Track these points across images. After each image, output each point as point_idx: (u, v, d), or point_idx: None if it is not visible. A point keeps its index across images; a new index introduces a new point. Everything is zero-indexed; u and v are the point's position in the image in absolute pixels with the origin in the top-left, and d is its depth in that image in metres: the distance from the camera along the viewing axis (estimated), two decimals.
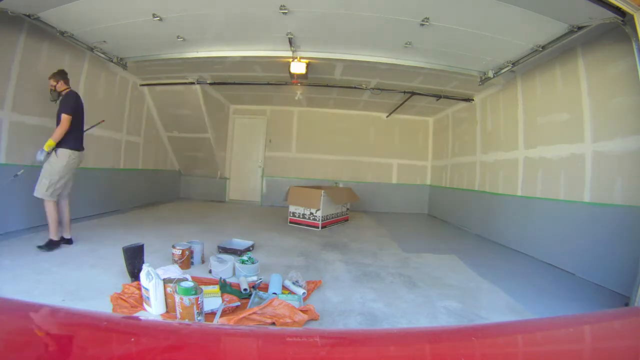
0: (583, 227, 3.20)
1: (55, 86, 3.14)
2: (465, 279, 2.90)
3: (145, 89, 5.86)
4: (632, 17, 2.26)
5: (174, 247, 2.75)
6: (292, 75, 4.61)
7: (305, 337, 0.65)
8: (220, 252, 3.08)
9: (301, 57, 4.23)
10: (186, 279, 1.96)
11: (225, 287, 2.21)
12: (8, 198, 3.37)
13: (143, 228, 4.19)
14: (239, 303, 2.04)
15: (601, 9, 2.36)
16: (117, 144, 5.27)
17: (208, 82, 5.67)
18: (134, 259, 2.39)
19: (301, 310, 1.87)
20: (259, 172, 7.65)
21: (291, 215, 5.14)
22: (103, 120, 3.79)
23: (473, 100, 5.61)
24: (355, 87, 5.49)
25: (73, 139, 3.06)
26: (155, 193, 6.52)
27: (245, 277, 2.44)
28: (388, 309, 2.15)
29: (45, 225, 3.72)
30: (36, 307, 0.72)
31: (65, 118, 2.97)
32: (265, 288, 2.30)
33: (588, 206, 3.18)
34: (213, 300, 1.95)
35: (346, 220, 5.75)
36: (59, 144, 2.99)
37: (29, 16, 3.17)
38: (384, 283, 2.67)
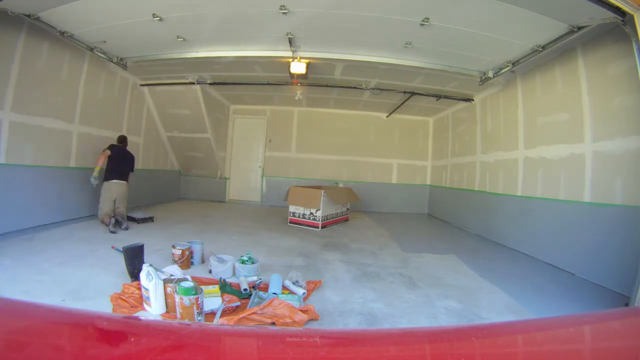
0: (583, 227, 3.20)
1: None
2: (465, 279, 2.90)
3: (145, 89, 5.86)
4: (632, 17, 2.26)
5: (174, 247, 2.75)
6: (292, 75, 4.62)
7: (305, 337, 0.65)
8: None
9: (301, 57, 4.23)
10: (186, 279, 1.96)
11: (225, 287, 2.21)
12: (8, 198, 3.38)
13: (143, 228, 4.19)
14: (239, 303, 2.04)
15: (601, 9, 2.36)
16: None
17: (208, 82, 5.67)
18: (134, 259, 2.39)
19: (301, 310, 1.87)
20: (259, 172, 7.65)
21: (291, 215, 5.13)
22: None
23: (473, 100, 5.61)
24: (355, 87, 5.49)
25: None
26: (155, 193, 6.52)
27: (245, 277, 2.44)
28: (388, 309, 2.15)
29: (44, 226, 3.74)
30: (36, 307, 0.72)
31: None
32: (265, 288, 2.30)
33: (588, 206, 3.18)
34: (213, 300, 1.95)
35: (346, 220, 5.75)
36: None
37: (29, 16, 3.17)
38: (384, 283, 2.67)
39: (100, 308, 1.89)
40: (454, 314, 2.14)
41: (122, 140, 4.60)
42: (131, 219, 4.37)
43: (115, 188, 4.20)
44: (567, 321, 0.78)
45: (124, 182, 4.33)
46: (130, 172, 4.50)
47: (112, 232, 3.78)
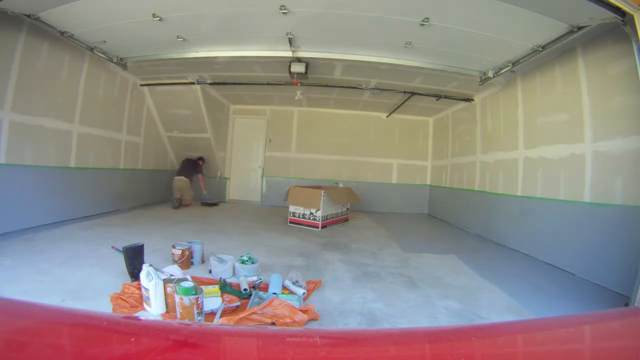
0: (583, 227, 3.20)
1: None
2: (465, 279, 2.90)
3: (145, 89, 5.86)
4: (632, 17, 2.26)
5: (174, 247, 2.75)
6: (292, 75, 4.61)
7: (305, 337, 0.65)
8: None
9: (301, 57, 4.23)
10: (186, 279, 1.96)
11: (225, 287, 2.21)
12: (8, 198, 3.38)
13: (143, 228, 4.19)
14: (239, 303, 2.04)
15: (601, 9, 2.36)
16: (117, 144, 5.27)
17: (208, 82, 5.67)
18: (134, 259, 2.39)
19: (301, 310, 1.87)
20: (259, 172, 7.65)
21: (291, 215, 5.13)
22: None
23: (473, 100, 5.61)
24: (355, 87, 5.48)
25: None
26: (155, 193, 6.52)
27: (245, 277, 2.44)
28: (388, 309, 2.15)
29: (44, 226, 3.74)
30: (36, 307, 0.73)
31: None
32: (265, 288, 2.30)
33: (588, 206, 3.18)
34: (213, 300, 1.95)
35: (346, 220, 5.75)
36: None
37: (29, 16, 3.16)
38: (384, 283, 2.67)
39: (100, 308, 1.89)
40: (454, 314, 2.14)
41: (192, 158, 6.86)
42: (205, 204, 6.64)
43: (175, 182, 6.23)
44: (567, 321, 0.78)
45: (182, 178, 6.25)
46: (193, 173, 6.52)
47: (174, 207, 5.94)
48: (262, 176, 7.62)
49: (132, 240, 2.62)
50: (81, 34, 3.73)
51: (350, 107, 7.18)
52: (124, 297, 2.00)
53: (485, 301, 2.39)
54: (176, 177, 6.23)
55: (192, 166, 6.59)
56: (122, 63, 4.62)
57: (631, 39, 2.32)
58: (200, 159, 6.90)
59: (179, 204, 6.03)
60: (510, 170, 4.47)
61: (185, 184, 6.24)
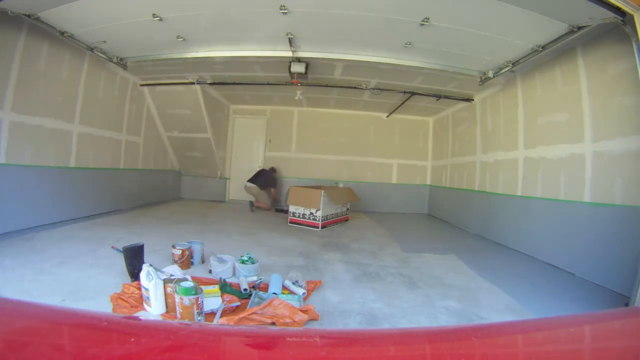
0: (583, 227, 3.20)
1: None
2: (465, 279, 2.90)
3: (145, 89, 5.86)
4: (632, 17, 2.26)
5: (174, 247, 2.75)
6: (292, 75, 4.61)
7: (305, 337, 0.65)
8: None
9: (301, 57, 4.23)
10: (186, 279, 1.96)
11: (225, 287, 2.21)
12: (8, 198, 3.38)
13: (143, 228, 4.19)
14: (239, 303, 2.04)
15: (601, 9, 2.36)
16: (117, 144, 5.27)
17: (208, 82, 5.67)
18: (134, 259, 2.39)
19: (301, 310, 1.87)
20: None
21: (291, 215, 5.14)
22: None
23: (473, 100, 5.61)
24: (355, 87, 5.48)
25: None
26: (155, 193, 6.52)
27: (245, 277, 2.44)
28: (388, 309, 2.15)
29: (44, 226, 3.74)
30: (36, 307, 0.73)
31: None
32: (265, 288, 2.30)
33: (588, 206, 3.18)
34: (213, 300, 1.95)
35: (346, 220, 5.75)
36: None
37: (29, 16, 3.16)
38: (384, 283, 2.67)
39: (100, 308, 1.89)
40: (454, 314, 2.14)
41: (267, 169, 7.05)
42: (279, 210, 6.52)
43: (246, 189, 6.53)
44: (567, 321, 0.78)
45: (252, 185, 6.42)
46: (266, 185, 6.63)
47: (251, 210, 6.29)
48: None
49: (132, 240, 2.62)
50: (81, 34, 3.73)
51: (350, 107, 7.18)
52: (124, 297, 2.00)
53: (485, 301, 2.39)
54: (247, 184, 6.44)
55: (266, 178, 6.71)
56: (122, 63, 4.62)
57: (631, 39, 2.32)
58: (273, 169, 7.05)
59: (253, 206, 6.36)
60: (510, 170, 4.47)
61: (256, 190, 6.44)
